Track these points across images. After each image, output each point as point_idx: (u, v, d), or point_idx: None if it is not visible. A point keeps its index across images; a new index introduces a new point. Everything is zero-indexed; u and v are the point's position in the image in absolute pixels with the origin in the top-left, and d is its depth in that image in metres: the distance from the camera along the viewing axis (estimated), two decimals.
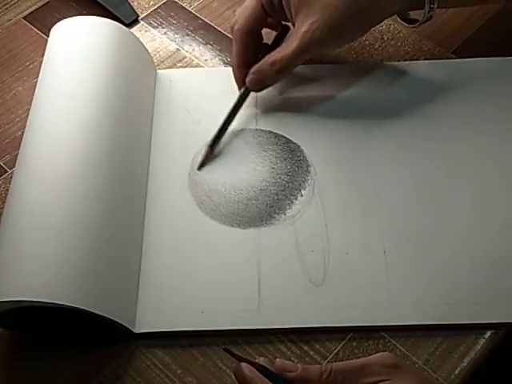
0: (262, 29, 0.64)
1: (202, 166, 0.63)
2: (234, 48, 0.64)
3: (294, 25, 0.62)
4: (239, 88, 0.65)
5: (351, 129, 0.65)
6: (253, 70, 0.63)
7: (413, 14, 0.66)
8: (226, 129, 0.64)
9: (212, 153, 0.63)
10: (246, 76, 0.64)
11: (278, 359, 0.47)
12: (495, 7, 0.74)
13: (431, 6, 0.62)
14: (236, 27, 0.63)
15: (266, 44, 0.66)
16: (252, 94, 0.66)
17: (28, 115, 0.62)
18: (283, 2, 0.61)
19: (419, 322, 0.54)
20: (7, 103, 0.71)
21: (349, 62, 0.67)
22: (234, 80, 0.65)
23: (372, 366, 0.46)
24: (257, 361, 0.47)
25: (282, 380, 0.46)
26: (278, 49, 0.62)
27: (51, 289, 0.50)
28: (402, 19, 0.67)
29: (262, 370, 0.46)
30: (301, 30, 0.60)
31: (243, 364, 0.46)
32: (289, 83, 0.68)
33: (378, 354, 0.47)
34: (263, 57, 0.63)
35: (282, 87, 0.68)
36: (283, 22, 0.66)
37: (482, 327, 0.54)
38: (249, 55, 0.64)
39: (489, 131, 0.64)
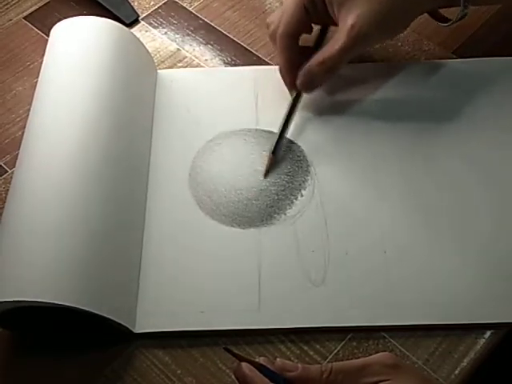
0: (304, 31, 0.64)
1: (267, 173, 0.62)
2: (280, 54, 0.63)
3: (337, 23, 0.61)
4: (290, 91, 0.65)
5: (351, 129, 0.65)
6: (302, 72, 0.62)
7: (445, 12, 0.65)
8: (284, 134, 0.64)
9: (274, 159, 0.63)
10: (295, 79, 0.63)
11: (278, 359, 0.47)
12: (495, 6, 0.74)
13: (465, 3, 0.61)
14: (280, 32, 0.62)
15: (307, 46, 0.65)
16: (252, 94, 0.66)
17: (28, 115, 0.62)
18: (326, 0, 0.61)
19: (419, 322, 0.54)
20: (7, 103, 0.71)
21: (349, 62, 0.67)
22: (234, 80, 0.66)
23: (372, 365, 0.46)
24: (257, 360, 0.47)
25: (282, 379, 0.46)
26: (324, 47, 0.61)
27: (51, 289, 0.50)
28: (433, 17, 0.66)
29: (262, 369, 0.46)
30: (346, 25, 0.59)
31: (243, 363, 0.46)
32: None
33: (378, 354, 0.47)
34: (308, 58, 0.62)
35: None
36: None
37: (481, 327, 0.54)
38: (295, 58, 0.63)
39: (489, 131, 0.64)
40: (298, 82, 0.63)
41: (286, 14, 0.62)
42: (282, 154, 0.64)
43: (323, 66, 0.61)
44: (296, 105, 0.64)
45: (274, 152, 0.63)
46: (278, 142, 0.63)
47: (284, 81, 0.65)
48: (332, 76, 0.63)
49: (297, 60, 0.63)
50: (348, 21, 0.59)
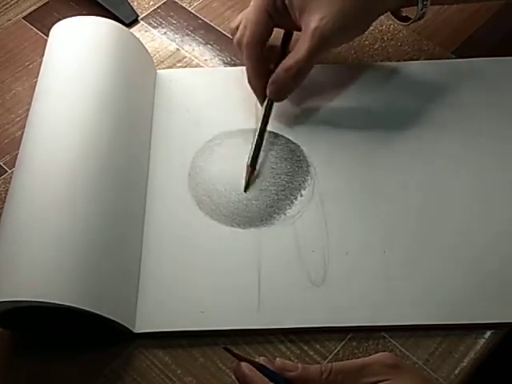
0: (269, 37, 0.63)
1: (247, 186, 0.62)
2: (246, 62, 0.63)
3: (299, 27, 0.61)
4: (260, 99, 0.64)
5: (351, 129, 0.65)
6: (271, 81, 0.62)
7: (406, 12, 0.65)
8: (261, 144, 0.63)
9: (254, 171, 0.62)
10: (264, 86, 0.63)
11: (277, 359, 0.47)
12: (495, 5, 0.74)
13: (424, 2, 0.61)
14: (246, 41, 0.62)
15: (273, 52, 0.65)
16: (252, 94, 0.66)
17: (28, 115, 0.62)
18: (287, 3, 0.60)
19: (419, 322, 0.54)
20: (7, 103, 0.71)
21: (349, 63, 0.67)
22: (234, 80, 0.66)
23: (372, 365, 0.46)
24: (257, 360, 0.47)
25: (282, 379, 0.46)
26: (290, 54, 0.61)
27: (51, 289, 0.50)
28: (395, 17, 0.66)
29: (261, 369, 0.46)
30: (309, 28, 0.59)
31: (243, 363, 0.46)
32: None
33: (377, 354, 0.47)
34: (275, 66, 0.62)
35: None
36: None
37: (481, 327, 0.54)
38: (263, 66, 0.63)
39: (489, 131, 0.64)
40: (268, 91, 0.63)
41: (250, 22, 0.62)
42: (282, 154, 0.64)
43: (291, 72, 0.61)
44: (269, 114, 0.64)
45: (252, 165, 0.62)
46: (254, 155, 0.62)
47: (253, 89, 0.64)
48: (301, 81, 0.62)
49: (264, 67, 0.63)
50: (310, 24, 0.59)
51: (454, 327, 0.54)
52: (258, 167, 0.62)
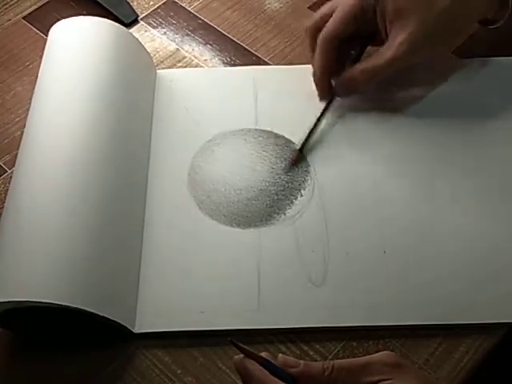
0: (347, 38, 0.64)
1: (290, 169, 0.63)
2: (319, 56, 0.63)
3: (385, 35, 0.62)
4: (322, 94, 0.65)
5: (351, 129, 0.65)
6: (344, 77, 0.63)
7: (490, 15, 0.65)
8: (313, 133, 0.64)
9: (300, 157, 0.63)
10: (329, 82, 0.64)
11: (280, 354, 0.47)
12: None
13: None
14: (325, 34, 0.63)
15: (350, 53, 0.66)
16: (251, 94, 0.66)
17: (27, 115, 0.62)
18: (377, 12, 0.61)
19: (419, 322, 0.54)
20: (7, 103, 0.71)
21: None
22: (233, 79, 0.66)
23: (374, 364, 0.45)
24: (260, 355, 0.47)
25: (285, 375, 0.46)
26: (370, 58, 0.62)
27: (51, 289, 0.50)
28: (480, 23, 0.66)
29: (265, 364, 0.46)
30: (396, 40, 0.60)
31: (245, 358, 0.46)
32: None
33: (380, 353, 0.46)
34: (348, 64, 0.64)
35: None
36: None
37: (481, 327, 0.54)
38: (333, 62, 0.64)
39: (489, 131, 0.64)
40: (338, 85, 0.64)
41: (336, 17, 0.62)
42: (282, 154, 0.64)
43: (366, 75, 0.62)
44: (329, 107, 0.65)
45: (302, 150, 0.63)
46: (306, 142, 0.64)
47: (316, 83, 0.65)
48: (372, 85, 0.64)
49: (333, 65, 0.64)
50: (398, 37, 0.60)
51: (453, 327, 0.54)
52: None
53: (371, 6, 0.61)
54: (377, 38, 0.64)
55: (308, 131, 0.64)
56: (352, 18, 0.62)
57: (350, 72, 0.63)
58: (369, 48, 0.66)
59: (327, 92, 0.65)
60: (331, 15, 0.63)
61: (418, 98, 0.66)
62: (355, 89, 0.64)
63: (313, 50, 0.65)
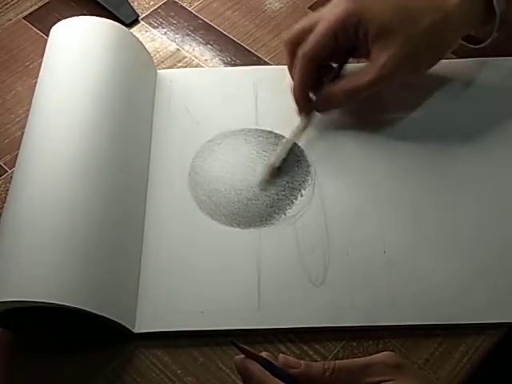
0: (326, 57, 0.63)
1: (265, 185, 0.62)
2: (298, 74, 0.63)
3: (366, 52, 0.61)
4: (301, 109, 0.64)
5: (351, 128, 0.65)
6: (324, 94, 0.63)
7: (475, 34, 0.66)
8: (290, 150, 0.63)
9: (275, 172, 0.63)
10: (308, 97, 0.64)
11: (281, 355, 0.47)
12: None
13: (502, 21, 0.62)
14: (304, 52, 0.62)
15: (329, 65, 0.65)
16: (252, 94, 0.66)
17: (28, 115, 0.62)
18: (359, 32, 0.60)
19: (419, 322, 0.54)
20: (7, 103, 0.71)
21: (349, 63, 0.67)
22: (234, 80, 0.66)
23: (375, 365, 0.45)
24: (261, 355, 0.47)
25: (286, 375, 0.46)
26: (351, 77, 0.62)
27: (51, 289, 0.50)
28: (465, 40, 0.66)
29: (266, 364, 0.46)
30: (379, 61, 0.60)
31: (245, 358, 0.46)
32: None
33: (381, 354, 0.46)
34: (329, 80, 0.63)
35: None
36: None
37: (482, 327, 0.54)
38: (313, 78, 0.63)
39: (489, 132, 0.64)
40: (318, 102, 0.64)
41: (316, 34, 0.61)
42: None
43: (347, 94, 0.62)
44: (308, 123, 0.64)
45: (279, 167, 0.62)
46: (283, 158, 0.63)
47: (296, 99, 0.64)
48: (350, 103, 0.63)
49: (313, 81, 0.63)
50: (381, 58, 0.60)
51: (453, 327, 0.54)
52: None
53: (352, 23, 0.60)
54: (357, 52, 0.63)
55: (287, 147, 0.63)
56: (332, 35, 0.61)
57: (330, 90, 0.63)
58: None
59: (307, 107, 0.64)
60: (310, 30, 0.62)
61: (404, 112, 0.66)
62: (335, 106, 0.64)
63: (291, 63, 0.64)
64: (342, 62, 0.64)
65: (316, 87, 0.64)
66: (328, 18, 0.61)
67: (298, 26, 0.64)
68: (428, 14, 0.60)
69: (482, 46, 0.65)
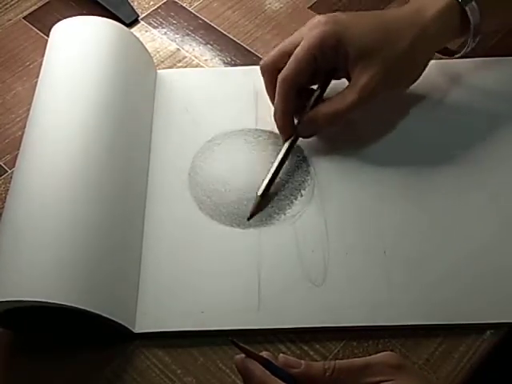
0: (306, 80, 0.62)
1: (252, 215, 0.60)
2: (279, 95, 0.62)
3: (346, 74, 0.61)
4: (284, 134, 0.63)
5: (351, 129, 0.65)
6: (306, 119, 0.62)
7: (451, 45, 0.66)
8: (276, 177, 0.62)
9: (262, 202, 0.61)
10: (291, 123, 0.63)
11: (281, 354, 0.47)
12: None
13: (475, 38, 0.62)
14: (284, 76, 0.61)
15: (310, 89, 0.64)
16: (252, 94, 0.66)
17: (28, 115, 0.62)
18: (339, 53, 0.60)
19: (419, 322, 0.54)
20: (7, 103, 0.71)
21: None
22: (234, 79, 0.66)
23: (375, 365, 0.46)
24: (261, 355, 0.47)
25: (286, 375, 0.46)
26: (332, 100, 0.61)
27: (51, 289, 0.50)
28: (440, 52, 0.66)
29: (266, 364, 0.46)
30: (359, 83, 0.60)
31: (246, 357, 0.46)
32: None
33: (381, 354, 0.47)
34: (311, 103, 0.62)
35: None
36: None
37: (481, 327, 0.54)
38: (293, 102, 0.62)
39: (489, 131, 0.64)
40: (300, 128, 0.63)
41: (295, 59, 0.61)
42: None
43: (328, 118, 0.61)
44: (292, 148, 0.63)
45: (263, 195, 0.61)
46: (267, 187, 0.61)
47: (278, 124, 0.63)
48: (332, 127, 0.63)
49: (293, 105, 0.63)
50: (361, 79, 0.60)
51: (453, 327, 0.54)
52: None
53: (331, 45, 0.60)
54: (338, 74, 0.63)
55: (270, 174, 0.61)
56: (312, 58, 0.60)
57: (312, 115, 0.62)
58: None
59: (290, 132, 0.63)
60: (289, 53, 0.61)
61: None
62: (316, 130, 0.64)
63: (271, 87, 0.63)
64: (324, 85, 0.64)
65: (298, 111, 0.63)
66: (307, 40, 0.60)
67: (277, 50, 0.63)
68: (406, 33, 0.60)
69: (457, 56, 0.66)
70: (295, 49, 0.61)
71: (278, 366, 0.46)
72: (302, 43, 0.61)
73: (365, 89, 0.60)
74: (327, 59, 0.61)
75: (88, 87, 0.61)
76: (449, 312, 0.55)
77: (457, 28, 0.62)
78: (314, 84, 0.64)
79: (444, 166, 0.62)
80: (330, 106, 0.61)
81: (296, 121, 0.63)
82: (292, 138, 0.63)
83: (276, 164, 0.62)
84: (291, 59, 0.61)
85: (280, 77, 0.61)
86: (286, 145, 0.63)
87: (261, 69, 0.64)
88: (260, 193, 0.61)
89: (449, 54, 0.67)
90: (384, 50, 0.60)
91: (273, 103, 0.63)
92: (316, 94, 0.63)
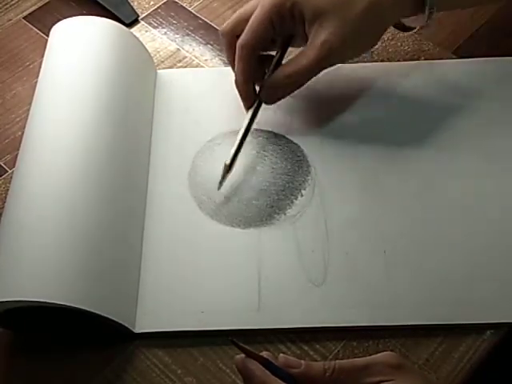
0: (265, 44, 0.62)
1: (221, 184, 0.61)
2: (238, 62, 0.62)
3: (304, 37, 0.61)
4: (246, 102, 0.63)
5: (351, 129, 0.65)
6: (267, 83, 0.62)
7: (407, 21, 0.65)
8: (242, 146, 0.62)
9: (230, 171, 0.61)
10: (252, 90, 0.63)
11: (281, 354, 0.47)
12: (494, 7, 0.74)
13: (431, 10, 0.61)
14: (242, 42, 0.61)
15: (270, 55, 0.64)
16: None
17: (28, 115, 0.62)
18: (295, 16, 0.60)
19: (419, 322, 0.54)
20: (7, 103, 0.71)
21: (349, 63, 0.67)
22: (233, 80, 0.65)
23: (376, 365, 0.45)
24: (261, 355, 0.47)
25: (286, 375, 0.46)
26: (291, 61, 0.61)
27: (51, 289, 0.50)
28: (396, 27, 0.67)
29: (266, 364, 0.46)
30: (318, 40, 0.59)
31: (246, 357, 0.46)
32: None
33: (381, 354, 0.46)
34: (271, 69, 0.62)
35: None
36: None
37: (481, 327, 0.54)
38: (254, 69, 0.62)
39: (489, 132, 0.64)
40: (263, 93, 0.62)
41: (251, 24, 0.61)
42: (282, 154, 0.64)
43: (290, 80, 0.61)
44: (255, 116, 0.63)
45: (230, 165, 0.61)
46: (234, 156, 0.61)
47: (239, 91, 0.63)
48: (297, 89, 0.62)
49: (254, 71, 0.62)
50: (320, 37, 0.59)
51: (453, 327, 0.54)
52: (234, 168, 0.61)
53: (287, 7, 0.60)
54: (296, 40, 0.63)
55: (236, 144, 0.61)
56: (269, 22, 0.60)
57: (273, 78, 0.62)
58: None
59: (252, 99, 0.63)
60: (247, 19, 0.61)
61: None
62: (279, 95, 0.63)
63: (230, 55, 0.63)
64: (283, 50, 0.64)
65: (259, 78, 0.63)
66: (262, 4, 0.60)
67: (234, 17, 0.63)
68: None
69: (410, 32, 0.66)
70: (252, 15, 0.61)
71: (278, 366, 0.46)
72: (258, 8, 0.61)
73: (324, 45, 0.59)
74: (284, 23, 0.61)
75: (88, 87, 0.61)
76: (449, 312, 0.55)
77: (412, 5, 0.61)
78: (274, 50, 0.64)
79: (446, 165, 0.62)
80: (289, 67, 0.61)
81: (258, 88, 0.63)
82: (255, 106, 0.63)
83: (241, 133, 0.62)
84: (248, 24, 0.61)
85: (239, 43, 0.61)
86: (250, 112, 0.62)
87: (221, 37, 0.64)
88: (228, 162, 0.61)
89: (406, 29, 0.66)
90: (341, 10, 0.59)
91: (233, 70, 0.63)
92: (275, 59, 0.63)
